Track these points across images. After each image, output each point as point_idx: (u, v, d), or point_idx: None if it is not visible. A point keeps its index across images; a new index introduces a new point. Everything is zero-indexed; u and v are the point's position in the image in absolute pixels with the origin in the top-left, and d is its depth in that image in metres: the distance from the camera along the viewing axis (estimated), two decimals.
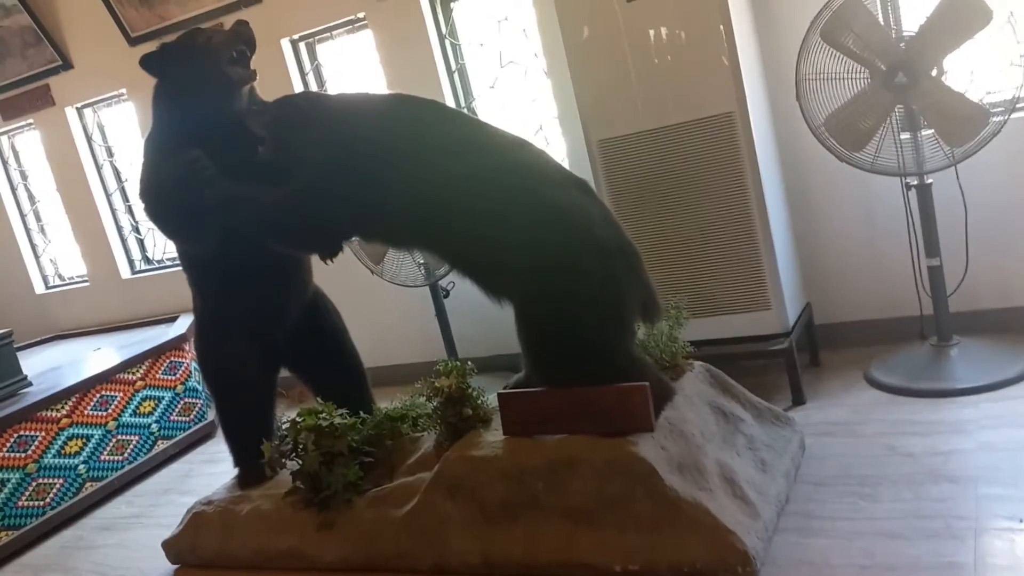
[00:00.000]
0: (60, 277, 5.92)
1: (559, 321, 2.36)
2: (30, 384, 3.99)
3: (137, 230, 5.46)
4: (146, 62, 2.81)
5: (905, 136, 2.94)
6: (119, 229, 5.45)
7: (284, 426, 2.81)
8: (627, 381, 2.30)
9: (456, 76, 4.22)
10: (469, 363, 2.71)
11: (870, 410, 2.95)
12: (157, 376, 4.25)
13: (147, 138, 2.93)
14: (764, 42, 3.36)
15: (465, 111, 4.10)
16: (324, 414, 2.73)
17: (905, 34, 2.85)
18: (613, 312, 2.40)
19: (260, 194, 2.68)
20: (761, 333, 3.17)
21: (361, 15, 4.28)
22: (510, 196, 2.41)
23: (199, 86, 2.79)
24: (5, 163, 5.79)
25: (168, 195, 2.75)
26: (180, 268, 3.31)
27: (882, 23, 2.90)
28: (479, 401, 2.65)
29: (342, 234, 2.70)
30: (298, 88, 4.56)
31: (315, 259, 2.92)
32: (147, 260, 5.47)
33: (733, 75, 3.01)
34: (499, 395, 2.50)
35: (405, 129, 2.56)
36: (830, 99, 2.92)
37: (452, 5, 4.18)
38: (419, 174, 2.45)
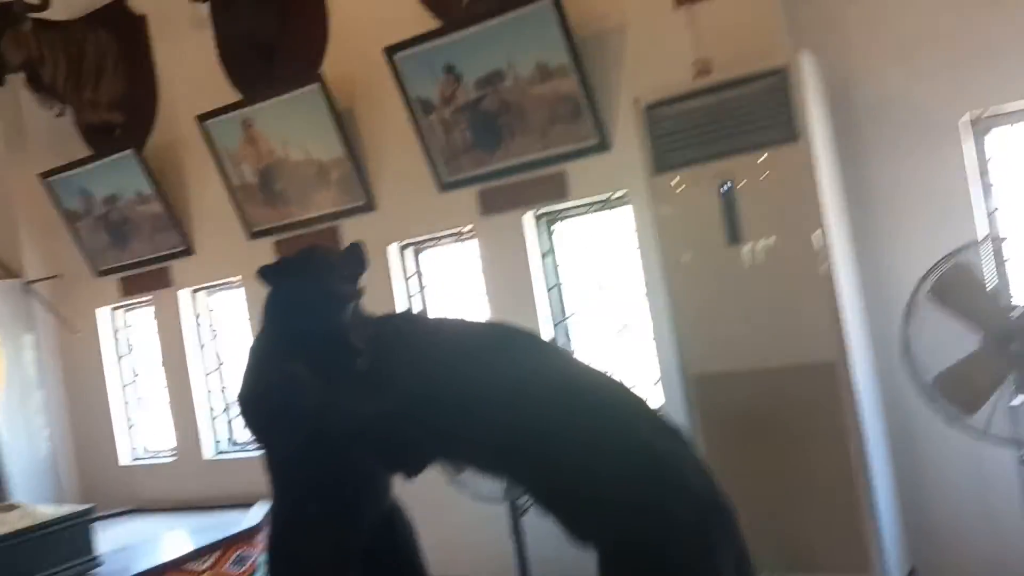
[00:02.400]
0: (147, 450, 6.04)
1: (647, 574, 2.24)
2: (100, 564, 3.97)
3: (227, 411, 5.58)
4: (264, 273, 2.95)
5: (1021, 402, 2.80)
6: (211, 409, 5.58)
7: None
8: None
9: (553, 293, 4.30)
10: None
11: None
12: (224, 569, 4.18)
13: (254, 343, 3.03)
14: (869, 292, 3.32)
15: (560, 345, 4.14)
16: None
17: (1015, 303, 2.79)
18: (706, 570, 2.26)
19: (353, 406, 2.71)
20: None
21: (468, 227, 4.47)
22: (602, 436, 2.37)
23: (310, 301, 2.91)
24: (116, 335, 6.09)
25: (266, 406, 2.81)
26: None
27: (992, 290, 2.84)
28: None
29: (425, 458, 2.69)
30: (399, 289, 4.73)
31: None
32: (233, 443, 5.54)
33: (836, 324, 2.97)
34: None
35: (500, 362, 2.58)
36: (940, 358, 2.83)
37: (554, 227, 4.33)
38: (511, 409, 2.44)
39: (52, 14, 5.31)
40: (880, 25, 3.32)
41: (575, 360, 2.75)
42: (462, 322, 2.81)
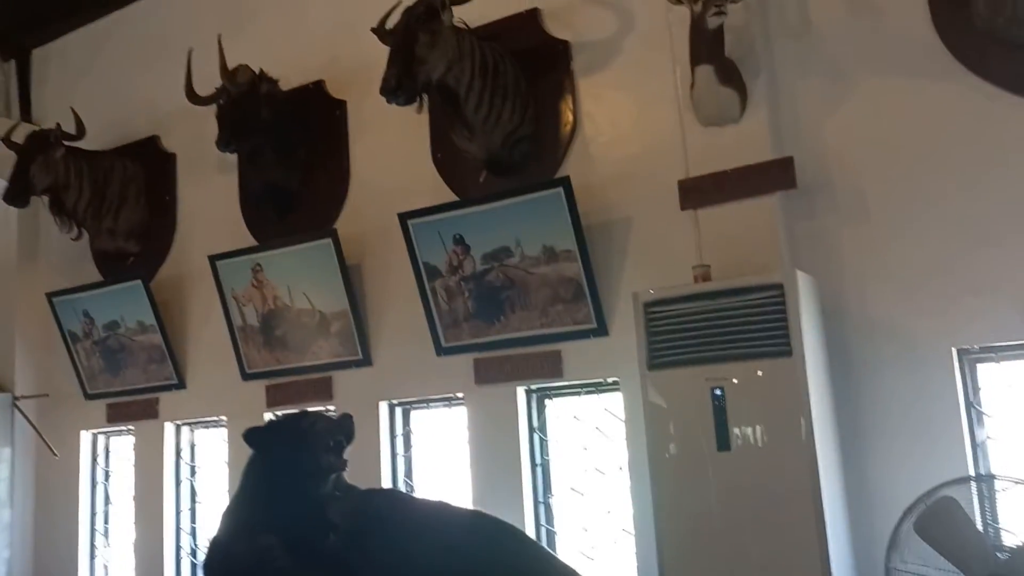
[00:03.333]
0: None
1: None
2: None
3: (194, 554, 5.41)
4: (249, 437, 2.96)
5: None
6: (177, 548, 5.42)
7: None
8: None
9: (539, 470, 4.26)
10: None
11: None
12: None
13: (230, 504, 3.00)
14: (855, 516, 3.27)
15: (542, 546, 4.07)
16: None
17: (1005, 544, 2.75)
18: None
19: None
20: None
21: (460, 394, 4.48)
22: None
23: (292, 472, 2.90)
24: (94, 461, 5.99)
25: (233, 574, 2.75)
26: None
27: (978, 529, 2.82)
28: None
29: None
30: (385, 447, 4.69)
31: None
32: None
33: (821, 546, 2.93)
34: None
35: (479, 553, 2.54)
36: None
37: (547, 402, 4.35)
38: None
39: (87, 143, 5.54)
40: (875, 251, 3.44)
41: (552, 556, 2.70)
42: (446, 508, 2.78)
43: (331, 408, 4.91)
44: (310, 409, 3.27)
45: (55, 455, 5.67)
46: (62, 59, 6.47)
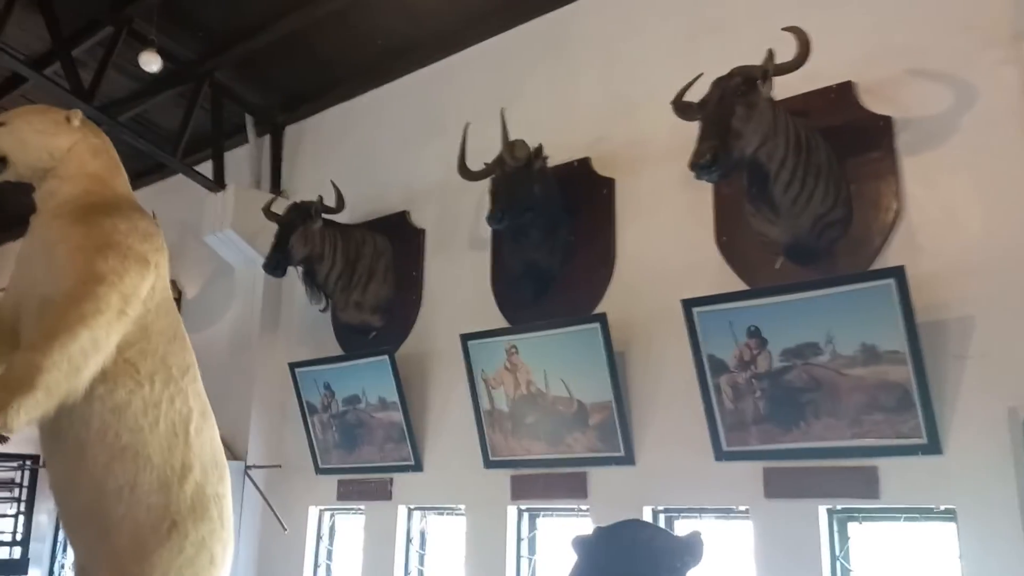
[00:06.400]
0: None
1: None
2: None
3: None
4: (578, 545, 2.59)
5: None
6: None
7: None
8: None
9: None
10: None
11: None
12: None
13: None
14: None
15: None
16: None
17: None
18: None
19: None
20: None
21: (744, 507, 3.97)
22: None
23: None
24: (318, 538, 5.83)
25: None
26: None
27: None
28: None
29: None
30: None
31: None
32: None
33: None
34: None
35: None
36: None
37: (851, 526, 3.76)
38: None
39: (338, 217, 5.56)
40: None
41: None
42: None
43: (583, 507, 4.52)
44: (642, 519, 2.87)
45: (285, 529, 5.54)
46: (315, 135, 6.63)
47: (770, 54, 3.51)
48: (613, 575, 2.49)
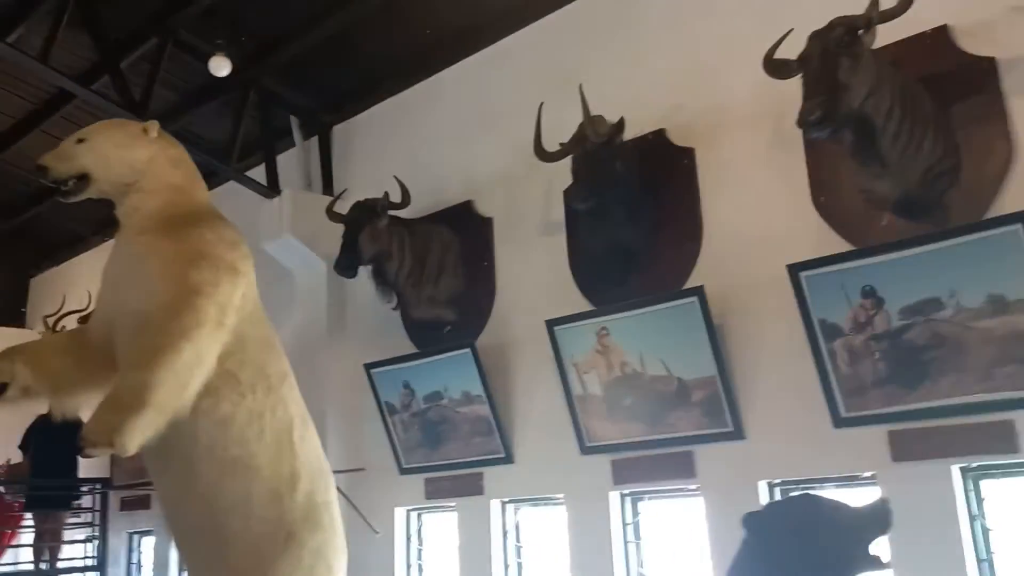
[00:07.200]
0: None
1: None
2: None
3: None
4: (750, 521, 2.48)
5: None
6: None
7: None
8: None
9: (984, 567, 3.54)
10: None
11: None
12: None
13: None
14: None
15: None
16: None
17: None
18: None
19: None
20: None
21: (869, 473, 3.85)
22: None
23: (803, 565, 2.38)
24: (408, 539, 5.75)
25: None
26: None
27: None
28: None
29: None
30: None
31: None
32: None
33: None
34: None
35: None
36: None
37: (984, 483, 3.64)
38: None
39: (400, 212, 5.45)
40: None
41: None
42: None
43: (692, 487, 4.41)
44: (816, 492, 2.75)
45: (376, 533, 5.45)
46: (366, 132, 6.53)
47: (873, 1, 3.38)
48: (791, 554, 2.37)
